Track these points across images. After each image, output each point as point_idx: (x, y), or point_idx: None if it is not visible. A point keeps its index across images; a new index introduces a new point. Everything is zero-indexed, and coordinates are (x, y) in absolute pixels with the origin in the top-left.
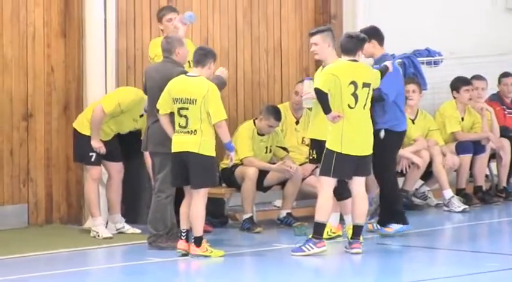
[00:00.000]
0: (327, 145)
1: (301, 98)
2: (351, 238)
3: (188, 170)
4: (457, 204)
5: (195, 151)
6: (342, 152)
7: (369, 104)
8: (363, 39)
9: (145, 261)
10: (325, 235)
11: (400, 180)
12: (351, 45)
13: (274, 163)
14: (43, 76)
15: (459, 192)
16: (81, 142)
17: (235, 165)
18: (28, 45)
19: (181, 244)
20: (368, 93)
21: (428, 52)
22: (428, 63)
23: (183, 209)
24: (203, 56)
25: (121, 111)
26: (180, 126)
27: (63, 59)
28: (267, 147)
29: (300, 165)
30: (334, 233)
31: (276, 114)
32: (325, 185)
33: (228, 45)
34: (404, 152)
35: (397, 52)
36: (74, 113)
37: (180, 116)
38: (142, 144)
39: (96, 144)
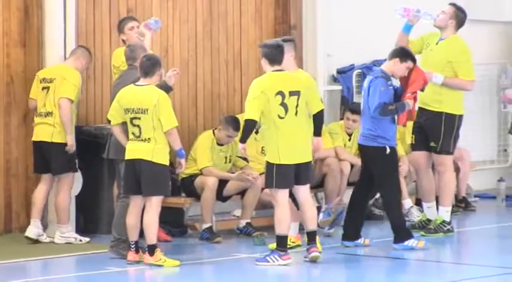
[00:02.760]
0: (266, 158)
1: None
2: (307, 244)
3: (140, 178)
4: (416, 214)
5: (148, 159)
6: (281, 163)
7: (302, 111)
8: (281, 45)
9: (104, 271)
10: None
11: None
12: (275, 55)
13: (233, 173)
14: (2, 86)
15: (419, 202)
16: (58, 153)
17: (195, 175)
18: None
19: (131, 256)
20: (298, 101)
21: None
22: None
23: (130, 220)
24: (150, 66)
25: (78, 92)
26: (133, 135)
27: (22, 69)
28: (226, 157)
29: (260, 174)
30: (293, 242)
31: (235, 124)
32: (278, 197)
33: (187, 55)
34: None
35: (357, 62)
36: (32, 122)
37: (133, 125)
38: (105, 151)
39: (71, 141)
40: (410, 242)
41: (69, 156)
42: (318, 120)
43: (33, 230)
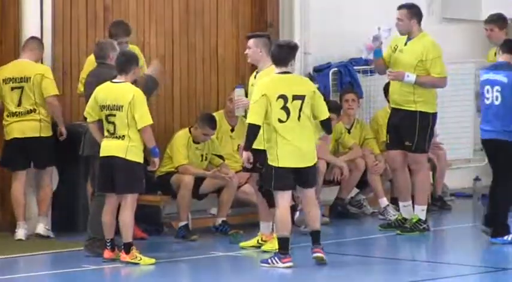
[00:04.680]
0: (268, 160)
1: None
2: (312, 244)
3: (114, 175)
4: (392, 213)
5: (122, 156)
6: (279, 166)
7: (305, 116)
8: (294, 47)
9: (80, 269)
10: (254, 242)
11: (335, 189)
12: (282, 55)
13: (210, 171)
14: None
15: (394, 200)
16: (47, 146)
17: (171, 173)
18: None
19: (107, 254)
20: (302, 105)
21: (365, 61)
22: (365, 71)
23: (105, 218)
24: (126, 62)
25: None
26: (108, 132)
27: None
28: (202, 155)
29: (236, 173)
30: (264, 241)
31: (211, 122)
32: (278, 199)
33: (164, 52)
34: (338, 160)
35: (334, 60)
36: None
37: (108, 122)
38: (80, 148)
39: (64, 130)
40: (509, 237)
41: (52, 150)
42: (327, 127)
43: (23, 231)
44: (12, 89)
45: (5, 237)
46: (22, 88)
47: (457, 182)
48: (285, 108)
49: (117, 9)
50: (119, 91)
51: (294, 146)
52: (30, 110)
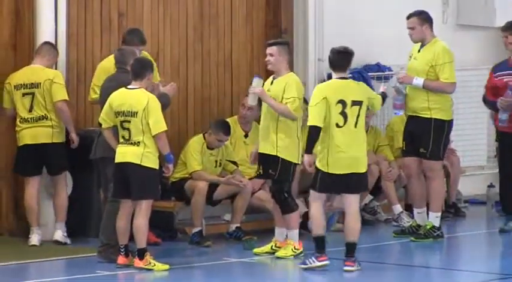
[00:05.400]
0: (317, 162)
1: (248, 112)
2: (345, 256)
3: (129, 181)
4: (406, 219)
5: (137, 162)
6: (328, 172)
7: (361, 122)
8: (350, 53)
9: (94, 275)
10: (268, 249)
11: None
12: (340, 61)
13: (224, 177)
14: None
15: (408, 207)
16: (59, 152)
17: (185, 179)
18: None
19: (121, 259)
20: (359, 111)
21: (379, 67)
22: (379, 78)
23: (120, 223)
24: (141, 68)
25: None
26: (123, 138)
27: (13, 71)
28: (216, 161)
29: (250, 179)
30: (278, 247)
31: (225, 128)
32: (312, 200)
33: (178, 58)
34: None
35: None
36: None
37: (123, 129)
38: (91, 152)
39: (76, 137)
40: None
41: (65, 156)
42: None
43: (37, 237)
44: (24, 95)
45: (19, 243)
46: (33, 94)
47: (471, 189)
48: (343, 113)
49: (131, 15)
50: (134, 97)
51: (347, 154)
52: (42, 116)
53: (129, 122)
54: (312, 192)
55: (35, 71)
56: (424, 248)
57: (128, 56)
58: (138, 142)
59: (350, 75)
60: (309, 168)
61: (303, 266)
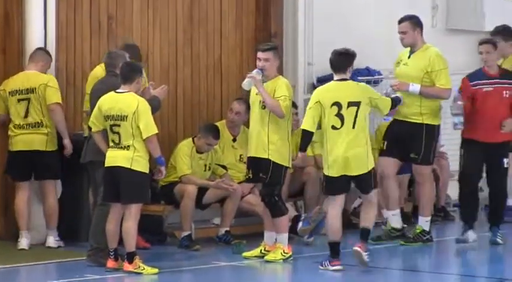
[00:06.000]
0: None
1: (236, 116)
2: (359, 239)
3: (119, 185)
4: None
5: (127, 166)
6: (329, 175)
7: (360, 123)
8: (352, 54)
9: (83, 278)
10: (257, 252)
11: None
12: (340, 63)
13: (213, 181)
14: None
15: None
16: (52, 160)
17: (174, 183)
18: None
19: (111, 263)
20: (357, 112)
21: (368, 71)
22: (368, 82)
23: (109, 227)
24: (130, 72)
25: None
26: (113, 142)
27: (2, 75)
28: (205, 165)
29: (239, 183)
30: (267, 251)
31: (215, 132)
32: (329, 205)
33: (168, 62)
34: None
35: None
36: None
37: (113, 133)
38: (81, 156)
39: (69, 144)
40: None
41: (56, 164)
42: (394, 105)
43: (26, 241)
44: (19, 101)
45: (8, 247)
46: (29, 100)
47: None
48: (339, 115)
49: (120, 19)
50: (123, 101)
51: (345, 155)
52: (37, 123)
53: (118, 125)
54: (327, 199)
55: (29, 77)
56: (413, 252)
57: (117, 60)
58: (128, 146)
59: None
60: (303, 161)
61: (320, 267)
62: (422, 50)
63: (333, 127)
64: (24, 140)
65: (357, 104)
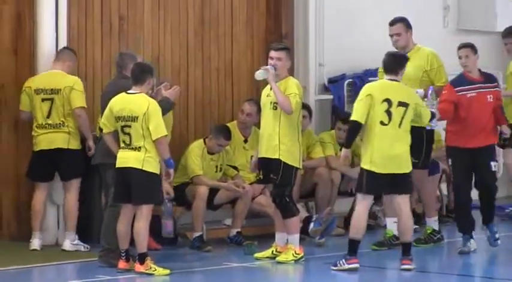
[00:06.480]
0: (361, 163)
1: (247, 118)
2: (402, 255)
3: (131, 186)
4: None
5: (138, 167)
6: (371, 170)
7: (406, 124)
8: (404, 57)
9: (94, 279)
10: (269, 253)
11: (350, 200)
12: (392, 64)
13: (224, 182)
14: None
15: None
16: (75, 157)
17: (186, 184)
18: None
19: (122, 264)
20: (405, 113)
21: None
22: None
23: (120, 228)
24: (141, 73)
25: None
26: (124, 143)
27: (14, 76)
28: (217, 166)
29: (250, 184)
30: (279, 252)
31: (226, 133)
32: (358, 202)
33: (179, 64)
34: (353, 171)
35: (348, 71)
36: (23, 129)
37: (124, 133)
38: (93, 157)
39: (93, 146)
40: None
41: (80, 163)
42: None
43: (38, 241)
44: (43, 100)
45: (20, 247)
46: (52, 100)
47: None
48: (388, 112)
49: (132, 20)
50: (134, 102)
51: (391, 152)
52: (59, 123)
53: (129, 127)
54: (358, 195)
55: (55, 77)
56: (424, 253)
57: (127, 61)
58: (139, 147)
59: (350, 80)
60: (344, 160)
61: (333, 267)
62: (415, 50)
63: (382, 123)
64: (47, 139)
65: (406, 105)
